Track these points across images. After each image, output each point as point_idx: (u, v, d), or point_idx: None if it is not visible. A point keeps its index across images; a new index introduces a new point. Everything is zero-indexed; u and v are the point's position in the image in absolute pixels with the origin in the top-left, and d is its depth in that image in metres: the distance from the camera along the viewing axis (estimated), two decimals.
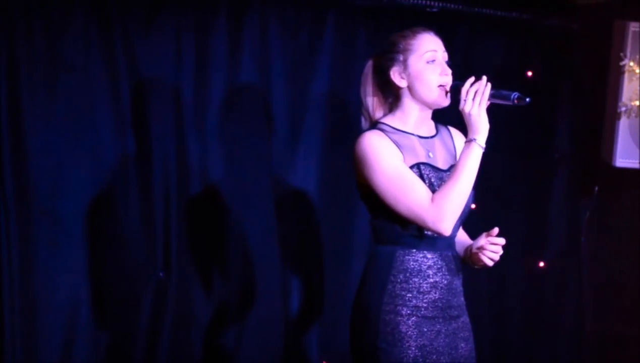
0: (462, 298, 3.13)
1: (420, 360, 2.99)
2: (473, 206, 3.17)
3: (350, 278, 4.22)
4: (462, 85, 3.01)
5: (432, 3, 4.64)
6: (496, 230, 3.04)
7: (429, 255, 3.04)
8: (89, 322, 3.95)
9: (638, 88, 4.89)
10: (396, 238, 3.03)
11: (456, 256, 3.12)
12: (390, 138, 3.02)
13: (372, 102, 3.14)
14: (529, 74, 5.06)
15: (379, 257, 3.06)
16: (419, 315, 3.01)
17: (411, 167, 3.01)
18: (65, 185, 3.89)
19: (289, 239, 4.36)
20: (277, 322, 4.31)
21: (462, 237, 3.21)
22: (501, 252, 3.04)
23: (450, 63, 3.10)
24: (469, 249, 3.13)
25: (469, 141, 2.97)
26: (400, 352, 2.99)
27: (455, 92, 3.02)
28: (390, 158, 2.99)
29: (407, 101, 3.09)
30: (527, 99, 2.96)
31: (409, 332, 3.00)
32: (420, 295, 3.02)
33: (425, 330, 3.01)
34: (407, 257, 3.03)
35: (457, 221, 3.02)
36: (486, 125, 2.97)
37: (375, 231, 3.09)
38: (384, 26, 4.50)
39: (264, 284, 4.28)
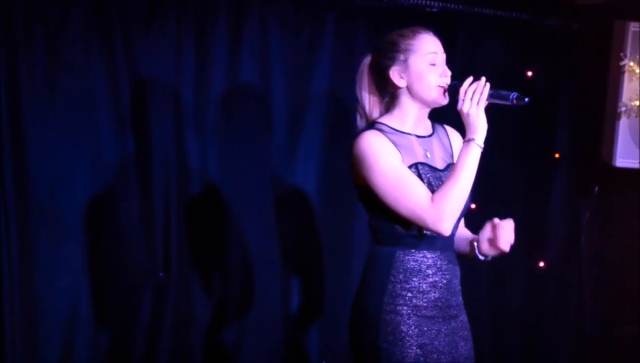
0: (461, 298, 3.13)
1: (422, 359, 3.00)
2: (473, 206, 3.17)
3: (350, 278, 4.21)
4: (461, 85, 3.00)
5: (432, 3, 4.64)
6: (497, 219, 3.05)
7: (428, 255, 3.04)
8: (89, 322, 3.95)
9: (638, 88, 4.89)
10: (395, 238, 3.03)
11: (455, 255, 3.12)
12: (388, 138, 3.02)
13: (369, 101, 3.14)
14: (529, 74, 5.06)
15: (379, 257, 3.06)
16: (419, 314, 3.02)
17: (409, 167, 3.01)
18: (65, 185, 3.89)
19: (289, 239, 4.36)
20: (277, 322, 4.31)
21: (464, 232, 3.20)
22: (513, 233, 3.05)
23: (451, 69, 3.09)
24: (473, 242, 3.13)
25: (467, 141, 2.97)
26: (402, 351, 2.99)
27: (453, 91, 3.02)
28: (389, 159, 2.99)
29: (405, 100, 3.08)
30: (526, 99, 2.96)
31: (410, 332, 3.00)
32: (420, 295, 3.02)
33: (426, 329, 3.02)
34: (406, 257, 3.03)
35: (456, 221, 3.02)
36: (484, 125, 2.97)
37: (374, 231, 3.09)
38: (384, 26, 4.50)
39: (264, 284, 4.28)
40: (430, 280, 3.04)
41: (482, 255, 3.11)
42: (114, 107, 3.99)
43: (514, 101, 2.97)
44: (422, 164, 3.04)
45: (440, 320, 3.05)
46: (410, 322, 3.01)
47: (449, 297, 3.07)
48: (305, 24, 4.43)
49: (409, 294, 3.02)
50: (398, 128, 3.07)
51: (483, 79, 2.99)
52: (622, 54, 4.88)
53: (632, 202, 5.08)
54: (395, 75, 3.06)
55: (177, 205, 4.10)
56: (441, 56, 3.08)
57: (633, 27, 4.87)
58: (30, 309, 3.81)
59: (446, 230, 2.96)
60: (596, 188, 5.17)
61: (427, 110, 3.12)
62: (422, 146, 3.09)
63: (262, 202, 4.29)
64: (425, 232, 3.01)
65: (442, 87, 3.04)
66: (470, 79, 3.00)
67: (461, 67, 4.45)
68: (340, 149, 4.20)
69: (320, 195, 4.45)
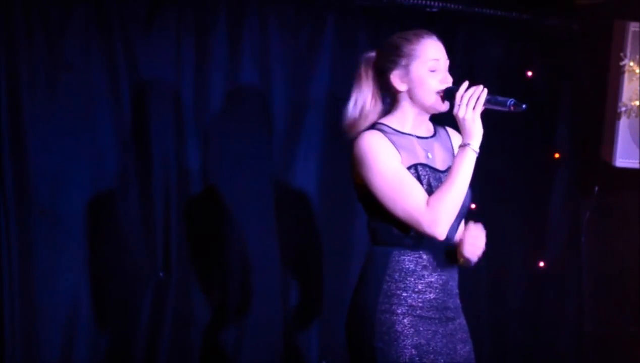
0: (458, 300, 3.12)
1: (417, 359, 2.99)
2: (473, 206, 3.16)
3: (350, 278, 4.20)
4: (457, 89, 2.99)
5: (432, 3, 4.63)
6: (478, 224, 3.01)
7: (424, 256, 3.04)
8: (89, 322, 3.95)
9: (638, 88, 4.89)
10: (393, 239, 3.03)
11: (453, 257, 3.11)
12: (389, 139, 3.02)
13: (370, 100, 3.13)
14: (529, 74, 5.06)
15: (376, 257, 3.06)
16: (415, 314, 3.01)
17: (409, 168, 3.01)
18: (65, 185, 3.89)
19: (289, 239, 4.36)
20: (277, 322, 4.31)
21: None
22: (482, 245, 3.00)
23: (451, 69, 3.08)
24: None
25: (462, 146, 2.97)
26: (397, 350, 2.99)
27: (449, 96, 3.01)
28: (388, 160, 2.99)
29: (405, 104, 3.08)
30: (524, 106, 2.95)
31: (405, 331, 3.00)
32: (416, 295, 3.02)
33: (422, 329, 3.01)
34: (402, 257, 3.03)
35: (455, 223, 3.01)
36: (480, 130, 2.96)
37: (373, 232, 3.09)
38: (384, 26, 4.50)
39: (264, 284, 4.28)
40: (426, 280, 3.03)
41: (458, 260, 3.07)
42: (114, 107, 3.99)
43: (511, 108, 2.96)
44: (422, 164, 3.04)
45: (437, 321, 3.04)
46: (405, 321, 3.00)
47: (445, 299, 3.06)
48: (305, 24, 4.44)
49: (404, 294, 3.02)
50: (399, 129, 3.07)
51: (481, 86, 2.98)
52: (622, 54, 4.88)
53: (632, 202, 5.08)
54: (396, 79, 3.06)
55: (177, 206, 4.10)
56: (443, 63, 3.06)
57: (633, 27, 4.87)
58: (30, 309, 3.82)
59: (441, 234, 2.95)
60: (596, 188, 5.17)
61: (427, 115, 3.11)
62: (423, 147, 3.08)
63: (262, 202, 4.29)
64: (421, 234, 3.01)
65: (440, 92, 3.03)
66: (466, 83, 2.99)
67: (461, 67, 4.45)
68: (340, 148, 4.20)
69: (320, 195, 4.45)
